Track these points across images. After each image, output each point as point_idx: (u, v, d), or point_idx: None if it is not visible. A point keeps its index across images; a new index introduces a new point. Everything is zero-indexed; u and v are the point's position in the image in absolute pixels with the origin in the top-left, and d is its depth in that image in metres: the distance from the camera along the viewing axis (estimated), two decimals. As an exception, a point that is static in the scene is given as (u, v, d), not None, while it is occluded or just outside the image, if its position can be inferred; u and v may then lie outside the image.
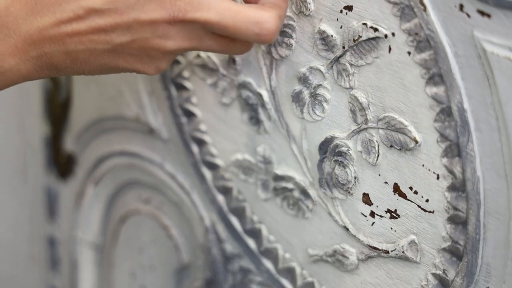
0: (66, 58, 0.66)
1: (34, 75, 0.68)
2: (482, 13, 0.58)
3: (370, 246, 0.70)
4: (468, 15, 0.58)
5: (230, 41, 0.68)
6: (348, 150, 0.69)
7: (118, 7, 0.65)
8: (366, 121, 0.67)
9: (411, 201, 0.66)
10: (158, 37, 0.66)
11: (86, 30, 0.65)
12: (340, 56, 0.67)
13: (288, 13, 0.70)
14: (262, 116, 0.75)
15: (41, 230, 1.03)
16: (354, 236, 0.71)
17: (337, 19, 0.66)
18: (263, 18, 0.65)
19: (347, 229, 0.71)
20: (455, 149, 0.62)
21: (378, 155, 0.67)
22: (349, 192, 0.70)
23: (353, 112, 0.68)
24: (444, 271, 0.66)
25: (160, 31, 0.66)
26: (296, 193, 0.74)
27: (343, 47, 0.67)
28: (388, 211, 0.68)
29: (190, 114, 0.81)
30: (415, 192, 0.66)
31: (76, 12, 0.65)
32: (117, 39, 0.66)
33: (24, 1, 0.65)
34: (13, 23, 0.65)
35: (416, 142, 0.64)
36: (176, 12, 0.65)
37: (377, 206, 0.69)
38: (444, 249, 0.65)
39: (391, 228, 0.68)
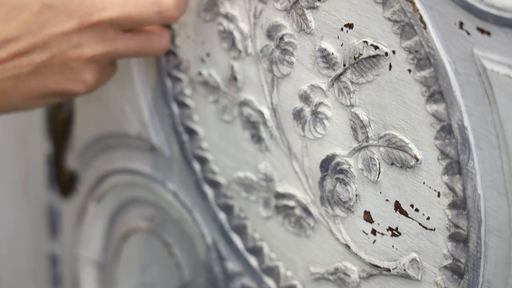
0: None
1: None
2: (481, 30, 0.58)
3: (372, 264, 0.70)
4: (468, 33, 0.58)
5: (145, 37, 0.72)
6: (349, 167, 0.69)
7: (31, 28, 0.69)
8: (367, 138, 0.67)
9: (412, 219, 0.66)
10: (74, 47, 0.69)
11: (7, 57, 0.69)
12: (341, 74, 0.67)
13: (289, 31, 0.70)
14: (264, 133, 0.75)
15: (43, 248, 1.03)
16: (356, 254, 0.71)
17: (338, 37, 0.67)
18: None
19: (349, 247, 0.71)
20: (455, 166, 0.62)
21: (379, 173, 0.67)
22: (350, 210, 0.70)
23: (354, 129, 0.68)
24: (445, 289, 0.66)
25: (74, 41, 0.69)
26: (298, 211, 0.74)
27: (344, 65, 0.67)
28: (390, 228, 0.68)
29: (192, 132, 0.81)
30: (416, 210, 0.66)
31: None
32: (38, 58, 0.69)
33: None
34: None
35: (417, 159, 0.64)
36: (82, 17, 0.69)
37: (378, 224, 0.69)
38: (445, 267, 0.65)
39: (393, 246, 0.68)
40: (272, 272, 0.78)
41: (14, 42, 0.69)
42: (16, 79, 0.70)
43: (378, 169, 0.67)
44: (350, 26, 0.66)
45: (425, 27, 0.61)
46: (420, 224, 0.66)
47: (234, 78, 0.76)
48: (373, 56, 0.65)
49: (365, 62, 0.65)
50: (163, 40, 0.74)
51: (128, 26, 0.71)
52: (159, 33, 0.74)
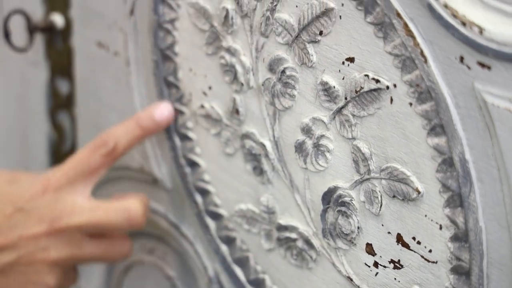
0: None
1: None
2: (482, 65, 0.58)
3: (374, 297, 0.70)
4: (469, 67, 0.59)
5: (108, 243, 0.75)
6: (351, 200, 0.69)
7: (2, 230, 0.71)
8: (368, 171, 0.67)
9: (414, 252, 0.66)
10: (41, 249, 0.71)
11: None
12: (343, 107, 0.68)
13: (291, 64, 0.70)
14: (266, 166, 0.75)
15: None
16: (358, 286, 0.71)
17: (339, 71, 0.67)
18: (129, 204, 0.74)
19: (351, 280, 0.71)
20: (457, 199, 0.62)
21: (381, 205, 0.67)
22: (352, 242, 0.70)
23: (355, 162, 0.68)
24: (448, 322, 0.66)
25: (42, 243, 0.71)
26: (300, 243, 0.74)
27: (346, 98, 0.67)
28: (392, 261, 0.68)
29: (193, 164, 0.81)
30: (418, 242, 0.66)
31: None
32: (5, 259, 0.71)
33: None
34: None
35: (419, 192, 0.64)
36: (52, 222, 0.71)
37: (380, 257, 0.69)
38: (447, 300, 0.65)
39: (395, 279, 0.68)
40: (274, 304, 0.78)
41: None
42: None
43: (380, 201, 0.67)
44: (351, 60, 0.66)
45: (425, 61, 0.61)
46: (422, 256, 0.66)
47: (236, 111, 0.76)
48: (374, 90, 0.65)
49: (366, 95, 0.66)
50: (125, 247, 0.77)
51: (96, 231, 0.74)
52: (121, 240, 0.77)
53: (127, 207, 0.73)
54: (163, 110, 0.76)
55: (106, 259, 0.76)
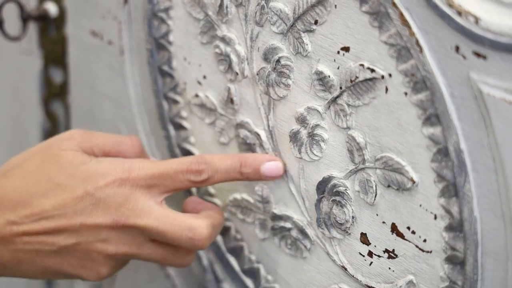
0: (13, 257, 0.71)
1: None
2: (478, 54, 0.58)
3: (368, 286, 0.70)
4: (464, 57, 0.59)
5: (170, 251, 0.73)
6: (345, 189, 0.69)
7: (67, 212, 0.70)
8: (363, 161, 0.67)
9: (409, 241, 0.66)
10: (100, 240, 0.71)
11: (35, 231, 0.70)
12: (338, 97, 0.68)
13: (286, 54, 0.70)
14: (260, 155, 0.75)
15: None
16: (352, 276, 0.71)
17: (334, 60, 0.67)
18: (196, 224, 0.71)
19: (345, 269, 0.71)
20: (452, 189, 0.62)
21: (375, 195, 0.67)
22: (347, 232, 0.70)
23: (350, 152, 0.68)
24: (442, 311, 0.66)
25: (102, 235, 0.71)
26: (294, 233, 0.74)
27: (340, 88, 0.67)
28: (386, 251, 0.68)
29: (188, 154, 0.81)
30: (413, 232, 0.66)
31: (27, 216, 0.70)
32: (63, 241, 0.71)
33: None
34: None
35: (413, 182, 0.64)
36: (119, 217, 0.71)
37: (375, 246, 0.69)
38: (442, 290, 0.65)
39: (389, 268, 0.68)
40: (269, 294, 0.78)
41: (46, 220, 0.70)
42: (36, 253, 0.71)
43: (374, 191, 0.67)
44: (346, 49, 0.66)
45: (421, 51, 0.61)
46: (416, 246, 0.66)
47: (230, 100, 0.76)
48: (370, 79, 0.65)
49: (361, 85, 0.66)
50: (187, 259, 0.75)
51: (158, 239, 0.72)
52: (183, 251, 0.75)
53: (193, 226, 0.71)
54: (272, 168, 0.73)
55: (164, 264, 0.76)
